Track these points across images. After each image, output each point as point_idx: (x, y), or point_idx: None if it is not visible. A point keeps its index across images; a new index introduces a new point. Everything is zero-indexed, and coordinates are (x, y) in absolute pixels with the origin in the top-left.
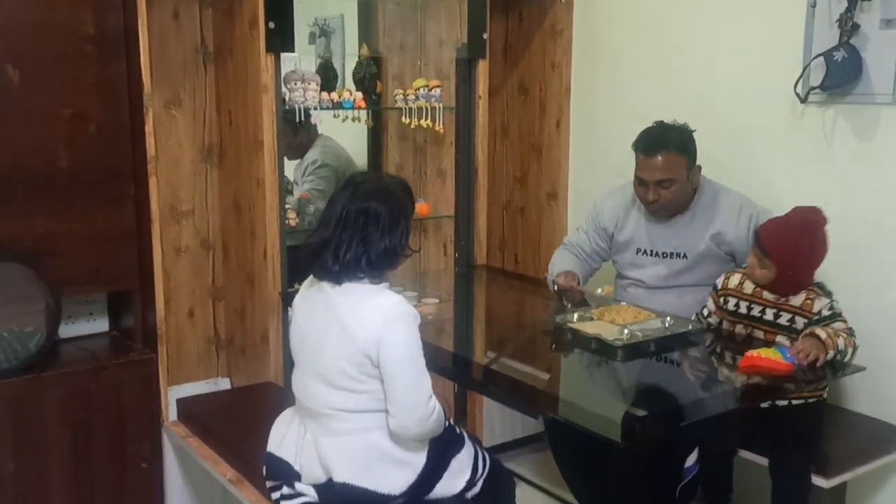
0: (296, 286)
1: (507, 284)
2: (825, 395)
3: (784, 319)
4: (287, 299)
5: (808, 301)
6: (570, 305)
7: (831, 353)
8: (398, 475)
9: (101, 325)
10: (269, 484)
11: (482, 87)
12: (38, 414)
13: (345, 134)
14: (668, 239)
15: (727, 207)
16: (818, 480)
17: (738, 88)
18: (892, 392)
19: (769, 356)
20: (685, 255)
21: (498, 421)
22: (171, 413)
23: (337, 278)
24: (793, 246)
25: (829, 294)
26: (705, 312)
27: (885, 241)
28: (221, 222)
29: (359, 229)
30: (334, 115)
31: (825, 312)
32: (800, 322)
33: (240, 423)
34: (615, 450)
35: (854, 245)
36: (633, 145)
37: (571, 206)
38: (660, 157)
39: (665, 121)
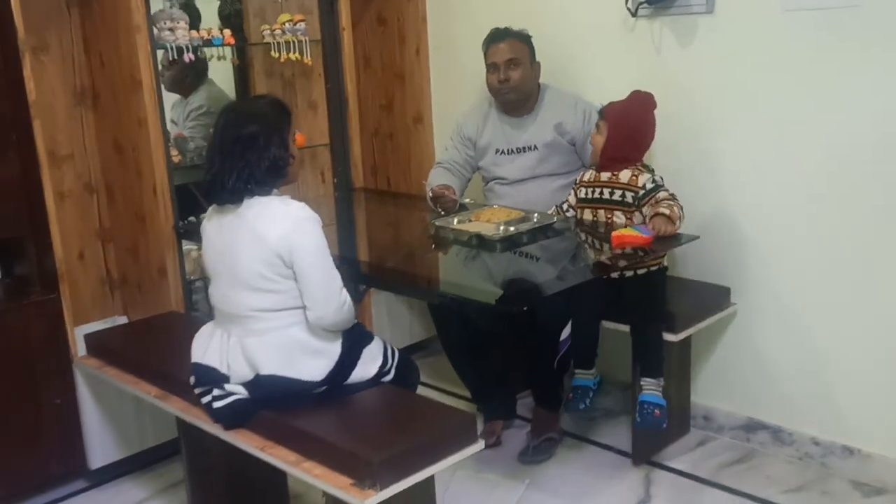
0: (188, 220)
1: (386, 202)
2: (665, 264)
3: (617, 196)
4: (179, 233)
5: (634, 177)
6: (443, 212)
7: (678, 224)
8: (317, 364)
9: None
10: (197, 391)
11: (345, 19)
12: None
13: (212, 73)
14: (520, 135)
15: (565, 103)
16: (668, 336)
17: (577, 5)
18: (718, 259)
19: (631, 233)
20: (536, 147)
21: (388, 330)
22: (79, 350)
23: (236, 200)
24: (623, 111)
25: (651, 171)
26: (565, 207)
27: (710, 129)
28: (103, 165)
29: (239, 155)
30: (199, 54)
31: (649, 185)
32: (629, 196)
33: (150, 348)
34: (498, 329)
35: (682, 135)
36: (482, 44)
37: (436, 127)
38: (506, 42)
39: None
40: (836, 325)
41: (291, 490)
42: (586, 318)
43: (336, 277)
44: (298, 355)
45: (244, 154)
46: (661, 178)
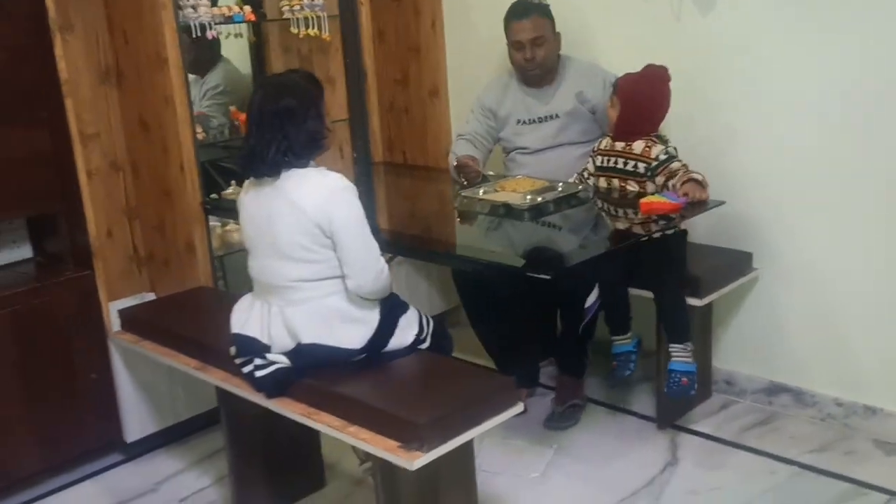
0: (211, 196)
1: (407, 176)
2: (683, 227)
3: (630, 166)
4: (207, 208)
5: (647, 148)
6: (466, 182)
7: (709, 191)
8: (357, 332)
9: (24, 251)
10: (238, 361)
11: None
12: None
13: (226, 51)
14: (541, 105)
15: (585, 72)
16: (692, 301)
17: None
18: (739, 225)
19: (660, 200)
20: (557, 116)
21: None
22: (113, 325)
23: (273, 172)
24: (635, 85)
25: (665, 141)
26: (585, 175)
27: (731, 95)
28: (128, 142)
29: (277, 128)
30: (218, 32)
31: (662, 157)
32: (641, 167)
33: (185, 322)
34: (523, 297)
35: (702, 102)
36: (504, 20)
37: (452, 100)
38: (529, 20)
39: None
40: (856, 287)
41: (325, 459)
42: (613, 283)
43: (374, 246)
44: (338, 324)
45: (283, 126)
46: (675, 149)
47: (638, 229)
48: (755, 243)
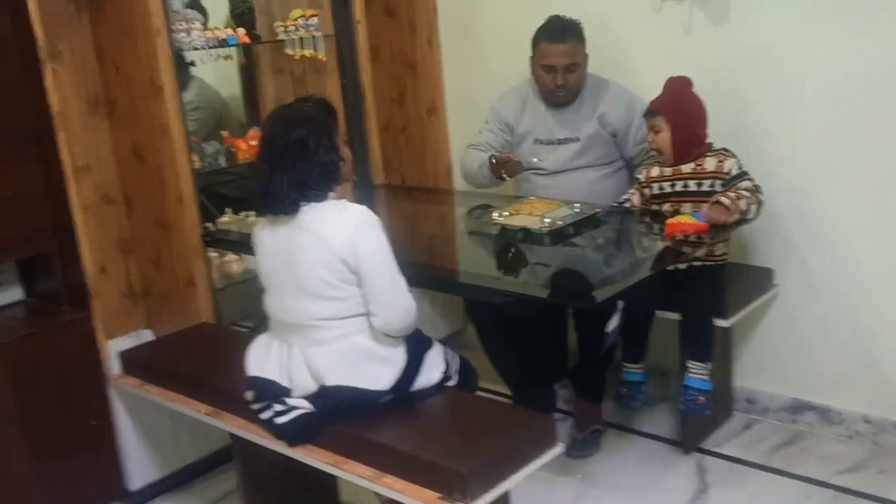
0: (205, 226)
1: (410, 198)
2: (728, 259)
3: (706, 185)
4: (206, 241)
5: (720, 163)
6: (507, 177)
7: (736, 216)
8: (384, 371)
9: (14, 294)
10: (256, 406)
11: (359, 12)
12: None
13: (215, 75)
14: (563, 126)
15: (608, 93)
16: (719, 322)
17: None
18: (759, 240)
19: (687, 220)
20: (578, 139)
21: None
22: (113, 368)
23: (290, 210)
24: (673, 98)
25: (734, 155)
26: (627, 205)
27: (745, 108)
28: (121, 174)
29: (289, 162)
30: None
31: (734, 171)
32: (717, 184)
33: (191, 363)
34: (540, 323)
35: (716, 115)
36: (536, 37)
37: (451, 118)
38: (567, 44)
39: (559, 14)
40: (884, 300)
41: (343, 499)
42: (640, 311)
43: (401, 281)
44: (364, 364)
45: (294, 161)
46: (743, 164)
47: (680, 254)
48: (775, 257)
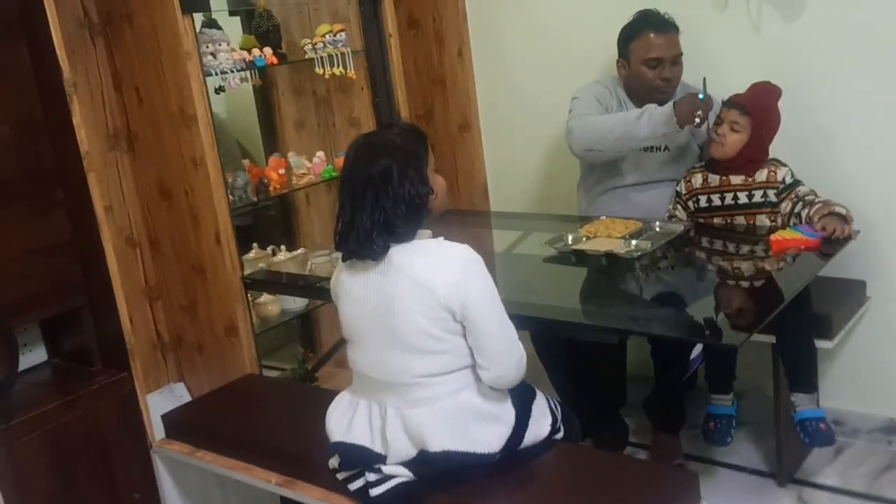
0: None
1: (454, 221)
2: None
3: (759, 196)
4: (247, 284)
5: (772, 173)
6: (700, 120)
7: (853, 225)
8: (494, 431)
9: (39, 355)
10: (342, 475)
11: (391, 24)
12: (17, 464)
13: (225, 98)
14: None
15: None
16: (822, 343)
17: None
18: (847, 250)
19: (794, 236)
20: (667, 148)
21: None
22: (156, 433)
23: (378, 255)
24: (766, 106)
25: (785, 164)
26: (674, 221)
27: (823, 106)
28: (144, 214)
29: (370, 200)
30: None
31: (788, 179)
32: (771, 194)
33: (248, 425)
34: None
35: (792, 116)
36: (633, 31)
37: (485, 133)
38: (671, 34)
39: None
40: None
41: None
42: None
43: (511, 329)
44: (472, 424)
45: (377, 198)
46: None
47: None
48: (865, 266)
